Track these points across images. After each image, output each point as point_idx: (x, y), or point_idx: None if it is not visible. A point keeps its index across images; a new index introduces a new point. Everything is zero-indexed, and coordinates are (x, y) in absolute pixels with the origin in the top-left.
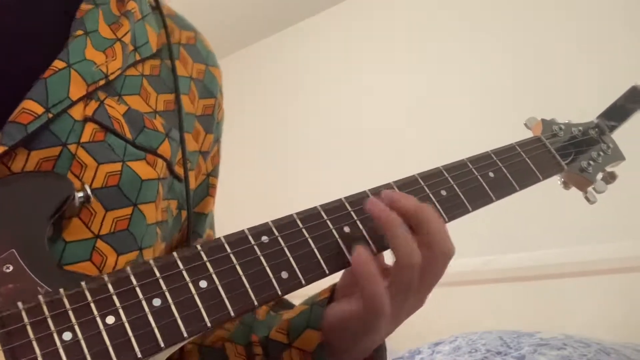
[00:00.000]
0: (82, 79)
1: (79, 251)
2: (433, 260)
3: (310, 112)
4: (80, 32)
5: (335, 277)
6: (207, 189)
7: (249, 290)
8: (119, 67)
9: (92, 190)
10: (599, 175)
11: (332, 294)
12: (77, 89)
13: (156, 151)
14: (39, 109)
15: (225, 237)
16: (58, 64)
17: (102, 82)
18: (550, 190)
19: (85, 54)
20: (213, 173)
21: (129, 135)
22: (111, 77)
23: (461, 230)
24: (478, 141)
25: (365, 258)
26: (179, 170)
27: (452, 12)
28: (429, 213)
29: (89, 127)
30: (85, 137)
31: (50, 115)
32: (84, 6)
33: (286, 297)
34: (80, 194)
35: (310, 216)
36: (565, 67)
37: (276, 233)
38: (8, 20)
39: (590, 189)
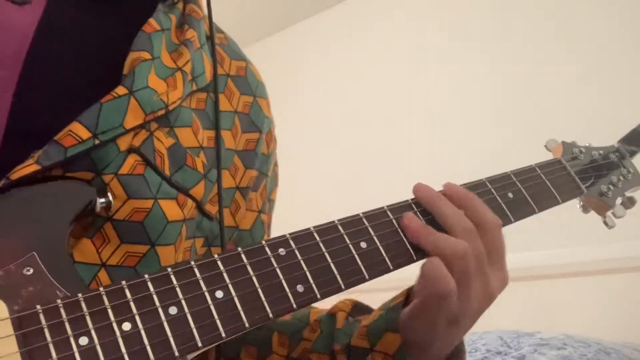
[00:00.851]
0: (141, 108)
1: (82, 275)
2: (486, 235)
3: (312, 111)
4: (147, 55)
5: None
6: (262, 226)
7: (265, 303)
8: (179, 97)
9: (113, 220)
10: (619, 200)
11: (407, 298)
12: (133, 118)
13: (189, 192)
14: (86, 134)
15: (242, 247)
16: (120, 90)
17: (161, 112)
18: None
19: (148, 80)
20: (263, 209)
21: (167, 172)
22: (171, 108)
23: None
24: (481, 142)
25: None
26: (210, 208)
27: (455, 12)
28: (468, 192)
29: (132, 159)
30: (125, 169)
31: (97, 142)
32: (153, 22)
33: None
34: (102, 200)
35: (327, 230)
36: (574, 88)
37: (293, 246)
38: (66, 28)
39: (609, 213)
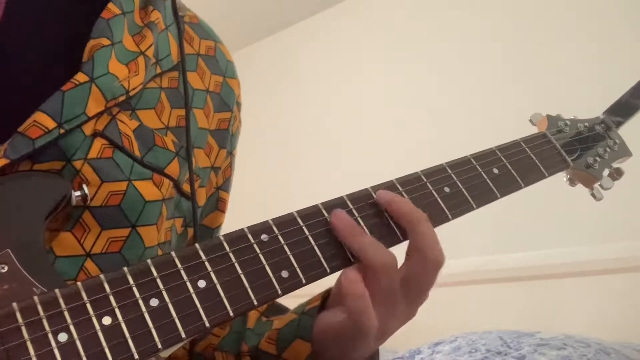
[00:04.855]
0: (102, 95)
1: (67, 268)
2: (422, 265)
3: (312, 110)
4: (106, 40)
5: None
6: (217, 203)
7: (249, 289)
8: (140, 82)
9: (90, 208)
10: (606, 172)
11: (324, 301)
12: (95, 105)
13: (163, 171)
14: (51, 124)
15: (224, 235)
16: (80, 77)
17: (121, 99)
18: (550, 190)
19: (109, 66)
20: (223, 187)
21: (137, 153)
22: (132, 93)
23: (461, 230)
24: (480, 138)
25: (354, 276)
26: (186, 187)
27: (453, 10)
28: (422, 216)
29: (98, 143)
30: (93, 153)
31: (62, 131)
32: (112, 7)
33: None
34: (78, 193)
35: (311, 214)
36: (567, 62)
37: (276, 231)
38: (27, 19)
39: (596, 185)
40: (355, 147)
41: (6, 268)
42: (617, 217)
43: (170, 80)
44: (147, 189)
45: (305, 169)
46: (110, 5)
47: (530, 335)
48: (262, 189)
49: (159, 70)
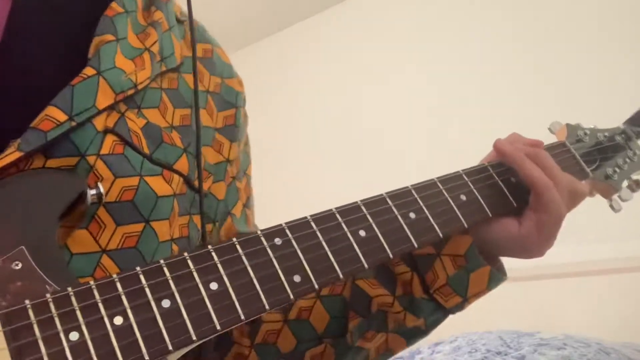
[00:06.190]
0: (110, 88)
1: (83, 265)
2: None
3: (312, 111)
4: (111, 37)
5: None
6: (237, 192)
7: (260, 293)
8: (147, 76)
9: (105, 204)
10: (625, 183)
11: None
12: (104, 98)
13: (172, 167)
14: (62, 117)
15: (237, 237)
16: (88, 70)
17: (130, 92)
18: None
19: (115, 61)
20: (237, 176)
21: (146, 150)
22: (140, 87)
23: None
24: (481, 141)
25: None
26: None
27: (456, 11)
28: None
29: (109, 139)
30: (105, 149)
31: (74, 124)
32: (115, 6)
33: None
34: (93, 192)
35: (325, 218)
36: (580, 68)
37: (289, 235)
38: (34, 18)
39: (615, 196)
40: (355, 147)
41: (20, 265)
42: (617, 217)
43: (170, 81)
44: (158, 185)
45: (305, 169)
46: (113, 4)
47: (530, 335)
48: (262, 189)
49: (164, 68)
